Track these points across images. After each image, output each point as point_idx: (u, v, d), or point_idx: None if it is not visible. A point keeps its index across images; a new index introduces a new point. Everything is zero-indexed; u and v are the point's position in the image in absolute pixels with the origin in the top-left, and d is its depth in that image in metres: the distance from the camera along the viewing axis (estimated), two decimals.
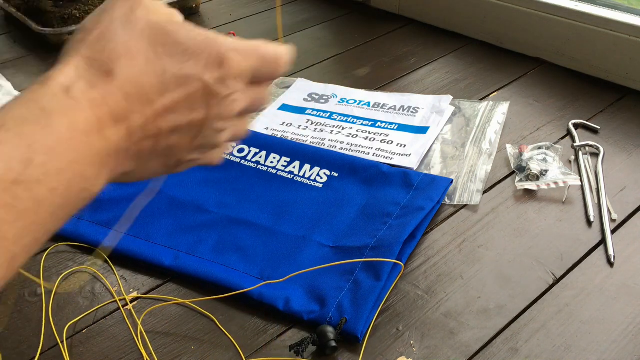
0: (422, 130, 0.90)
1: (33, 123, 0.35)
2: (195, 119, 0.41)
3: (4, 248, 0.34)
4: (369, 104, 0.97)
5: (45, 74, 0.39)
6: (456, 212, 0.78)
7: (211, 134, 0.43)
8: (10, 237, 0.34)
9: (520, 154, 0.84)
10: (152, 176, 0.45)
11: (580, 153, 0.86)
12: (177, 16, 0.42)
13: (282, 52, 0.44)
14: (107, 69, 0.38)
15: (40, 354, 0.61)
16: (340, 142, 0.88)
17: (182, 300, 0.66)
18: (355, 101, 0.98)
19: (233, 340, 0.62)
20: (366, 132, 0.91)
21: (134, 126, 0.39)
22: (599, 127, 0.91)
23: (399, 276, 0.68)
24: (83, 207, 0.39)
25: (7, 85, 1.01)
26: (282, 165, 0.83)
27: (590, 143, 0.87)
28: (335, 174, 0.81)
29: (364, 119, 0.94)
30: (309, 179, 0.81)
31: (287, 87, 1.02)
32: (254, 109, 0.45)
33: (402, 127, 0.91)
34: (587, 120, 0.93)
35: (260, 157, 0.84)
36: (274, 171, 0.82)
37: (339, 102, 0.98)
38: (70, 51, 0.40)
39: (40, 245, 0.36)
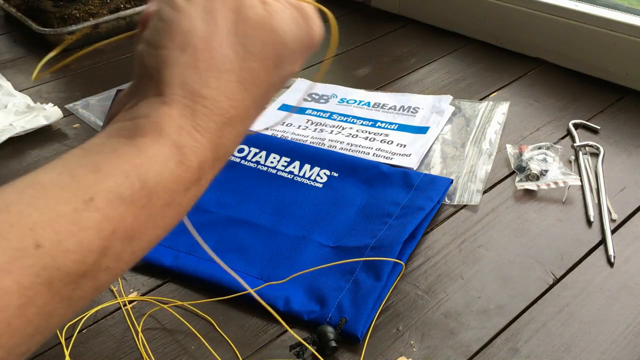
0: (422, 130, 0.90)
1: (127, 203, 0.31)
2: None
3: (44, 335, 0.30)
4: (369, 104, 0.97)
5: (148, 108, 0.34)
6: (456, 212, 0.78)
7: None
8: (54, 324, 0.30)
9: (520, 154, 0.84)
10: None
11: (580, 153, 0.86)
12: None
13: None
14: (217, 112, 0.35)
15: (40, 354, 0.61)
16: (340, 142, 0.88)
17: (181, 303, 0.66)
18: (355, 101, 0.98)
19: (230, 342, 0.62)
20: (366, 132, 0.91)
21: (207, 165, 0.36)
22: (599, 127, 0.91)
23: (400, 276, 0.68)
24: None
25: (7, 85, 1.01)
26: (282, 165, 0.83)
27: (590, 143, 0.87)
28: (335, 174, 0.81)
29: (364, 119, 0.94)
30: (309, 179, 0.81)
31: (287, 87, 1.02)
32: None
33: (402, 127, 0.91)
34: (587, 120, 0.93)
35: (260, 157, 0.84)
36: (274, 171, 0.82)
37: (339, 102, 0.98)
38: (163, 77, 0.34)
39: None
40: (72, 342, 0.63)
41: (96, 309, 0.66)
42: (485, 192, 0.81)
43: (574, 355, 0.61)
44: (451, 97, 0.97)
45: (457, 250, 0.72)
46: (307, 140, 0.89)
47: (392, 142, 0.88)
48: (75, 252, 0.29)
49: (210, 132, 0.34)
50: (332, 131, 0.91)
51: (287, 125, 0.93)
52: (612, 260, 0.70)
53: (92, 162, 0.31)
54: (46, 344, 0.62)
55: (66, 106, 0.98)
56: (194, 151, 0.34)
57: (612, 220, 0.75)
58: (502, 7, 1.10)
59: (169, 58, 0.34)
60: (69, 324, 0.64)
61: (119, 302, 0.66)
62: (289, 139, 0.89)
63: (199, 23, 0.35)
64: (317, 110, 0.96)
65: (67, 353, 0.61)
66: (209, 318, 0.65)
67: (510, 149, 0.86)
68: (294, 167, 0.82)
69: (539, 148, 0.85)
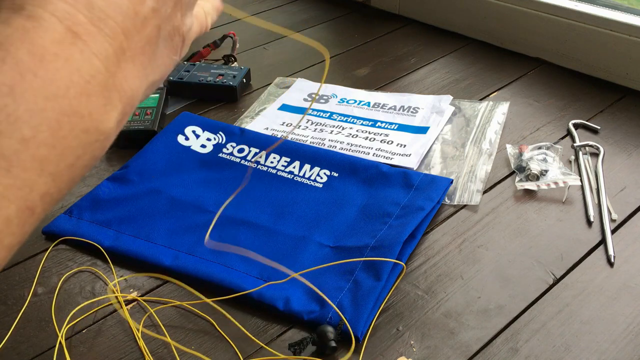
0: (422, 130, 0.90)
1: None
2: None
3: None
4: (369, 104, 0.97)
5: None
6: (456, 212, 0.78)
7: None
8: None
9: (520, 154, 0.84)
10: (167, 68, 0.35)
11: (580, 153, 0.86)
12: None
13: None
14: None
15: (40, 354, 0.61)
16: (340, 142, 0.88)
17: (181, 303, 0.66)
18: (355, 101, 0.98)
19: (230, 342, 0.62)
20: (366, 132, 0.91)
21: (125, 21, 0.30)
22: (599, 127, 0.91)
23: (400, 276, 0.68)
24: (100, 151, 0.30)
25: None
26: (282, 165, 0.83)
27: (590, 143, 0.87)
28: (335, 174, 0.81)
29: (364, 119, 0.94)
30: (309, 179, 0.81)
31: (287, 87, 1.02)
32: None
33: (402, 127, 0.91)
34: (587, 120, 0.93)
35: (260, 157, 0.84)
36: (274, 171, 0.82)
37: (339, 102, 0.98)
38: None
39: (58, 199, 0.29)
40: (72, 342, 0.63)
41: (96, 308, 0.66)
42: (485, 192, 0.81)
43: (574, 355, 0.61)
44: (451, 97, 0.97)
45: (457, 250, 0.72)
46: (307, 140, 0.89)
47: (392, 142, 0.88)
48: None
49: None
50: (332, 131, 0.91)
51: (287, 125, 0.93)
52: (612, 260, 0.70)
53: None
54: (46, 344, 0.62)
55: None
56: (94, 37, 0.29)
57: (612, 220, 0.75)
58: (502, 7, 1.10)
59: None
60: (69, 324, 0.64)
61: (121, 302, 0.66)
62: (289, 139, 0.89)
63: None
64: (317, 110, 0.96)
65: (67, 353, 0.61)
66: (209, 318, 0.65)
67: (510, 149, 0.86)
68: (294, 167, 0.82)
69: (539, 148, 0.85)
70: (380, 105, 0.97)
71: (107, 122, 0.29)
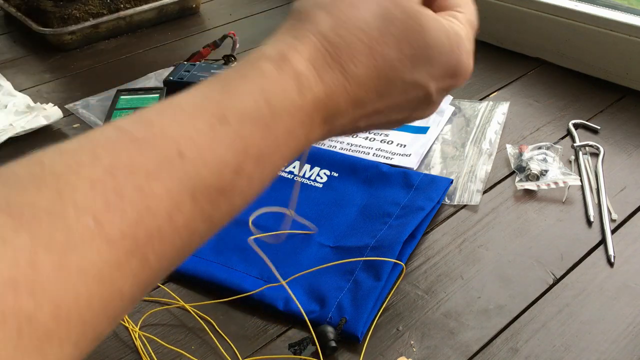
0: (422, 130, 0.90)
1: (255, 122, 0.32)
2: (397, 119, 0.39)
3: (185, 253, 0.31)
4: None
5: (278, 42, 0.35)
6: (456, 212, 0.78)
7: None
8: (195, 243, 0.31)
9: (520, 154, 0.84)
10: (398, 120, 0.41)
11: (580, 153, 0.86)
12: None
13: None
14: (341, 62, 0.35)
15: None
16: (340, 142, 0.88)
17: (181, 303, 0.66)
18: None
19: (230, 342, 0.62)
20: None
21: (337, 126, 0.36)
22: (599, 127, 0.91)
23: (400, 276, 0.68)
24: (296, 154, 0.36)
25: (7, 85, 1.01)
26: None
27: (590, 143, 0.87)
28: (335, 174, 0.81)
29: None
30: (309, 179, 0.81)
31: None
32: None
33: (402, 127, 0.91)
34: (587, 120, 0.93)
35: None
36: None
37: None
38: (306, 18, 0.36)
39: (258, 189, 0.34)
40: None
41: None
42: (485, 192, 0.81)
43: (574, 355, 0.60)
44: (451, 97, 0.97)
45: (457, 250, 0.72)
46: None
47: (392, 142, 0.88)
48: (214, 166, 0.30)
49: (329, 84, 0.35)
50: None
51: None
52: (612, 260, 0.70)
53: (221, 85, 0.33)
54: None
55: (66, 106, 0.98)
56: (310, 88, 0.34)
57: (612, 220, 0.75)
58: (502, 7, 1.10)
59: (313, 7, 0.36)
60: None
61: None
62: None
63: None
64: None
65: None
66: (209, 318, 0.65)
67: (510, 149, 0.86)
68: (293, 167, 0.82)
69: (539, 148, 0.85)
70: None
71: (314, 139, 0.36)
